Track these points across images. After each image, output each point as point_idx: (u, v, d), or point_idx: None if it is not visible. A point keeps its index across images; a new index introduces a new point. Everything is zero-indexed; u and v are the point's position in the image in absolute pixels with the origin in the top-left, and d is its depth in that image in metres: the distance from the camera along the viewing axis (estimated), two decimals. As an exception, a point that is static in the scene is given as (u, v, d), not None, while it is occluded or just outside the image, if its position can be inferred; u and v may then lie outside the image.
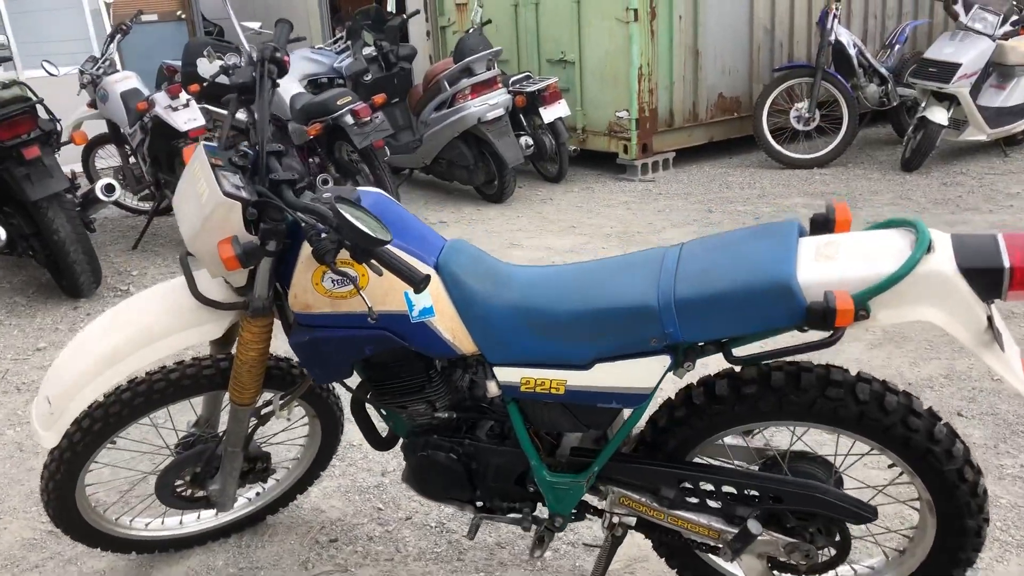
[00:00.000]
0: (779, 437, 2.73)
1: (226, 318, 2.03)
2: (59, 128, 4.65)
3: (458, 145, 6.10)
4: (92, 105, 5.94)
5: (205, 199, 1.82)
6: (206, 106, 7.13)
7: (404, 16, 7.17)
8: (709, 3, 6.74)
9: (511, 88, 6.25)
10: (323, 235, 1.68)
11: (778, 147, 6.67)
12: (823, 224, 1.78)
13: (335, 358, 1.91)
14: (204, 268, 1.94)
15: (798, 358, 1.75)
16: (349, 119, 5.27)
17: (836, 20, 6.46)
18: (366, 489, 2.79)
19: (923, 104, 6.16)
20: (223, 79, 7.01)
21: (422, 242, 1.89)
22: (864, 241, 1.66)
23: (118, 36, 5.99)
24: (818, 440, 2.66)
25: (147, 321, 1.99)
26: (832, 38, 6.45)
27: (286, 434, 2.91)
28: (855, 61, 6.62)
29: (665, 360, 1.72)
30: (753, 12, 6.97)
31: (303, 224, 1.75)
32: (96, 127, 6.22)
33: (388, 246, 1.78)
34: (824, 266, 1.61)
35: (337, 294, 1.83)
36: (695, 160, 7.10)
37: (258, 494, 2.61)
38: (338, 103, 5.31)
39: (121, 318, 2.03)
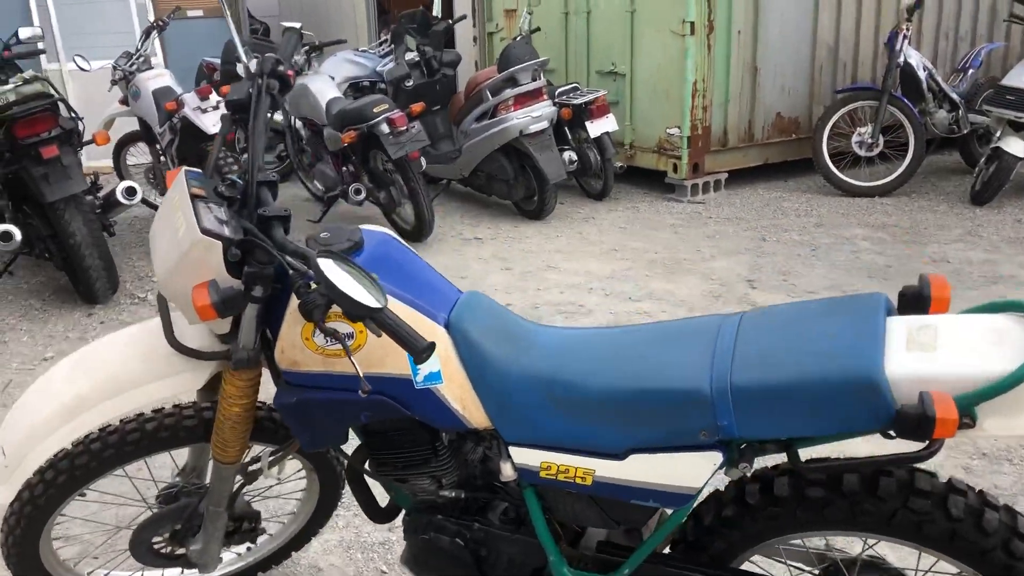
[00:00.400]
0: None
1: (207, 368, 1.77)
2: (82, 127, 4.46)
3: (498, 158, 5.83)
4: (124, 102, 5.77)
5: (181, 235, 1.56)
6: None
7: (450, 21, 6.93)
8: (770, 18, 6.39)
9: (557, 100, 5.96)
10: (312, 286, 1.41)
11: (838, 173, 6.30)
12: (915, 301, 1.46)
13: (327, 423, 1.64)
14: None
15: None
16: (385, 128, 5.03)
17: (906, 41, 6.07)
18: (370, 546, 2.51)
19: (998, 134, 5.74)
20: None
21: (432, 295, 1.61)
22: (969, 328, 1.34)
23: (154, 32, 5.83)
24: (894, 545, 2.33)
25: (115, 368, 1.74)
26: (901, 60, 6.06)
27: (282, 487, 2.64)
28: (924, 85, 6.21)
29: (716, 457, 1.42)
30: (817, 29, 6.61)
31: (290, 272, 1.48)
32: (129, 124, 6.05)
33: (389, 304, 1.52)
34: (919, 358, 1.30)
35: (331, 352, 1.56)
36: (748, 182, 6.75)
37: (249, 549, 2.35)
38: (374, 111, 5.06)
39: (88, 362, 1.78)
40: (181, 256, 1.54)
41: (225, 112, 1.82)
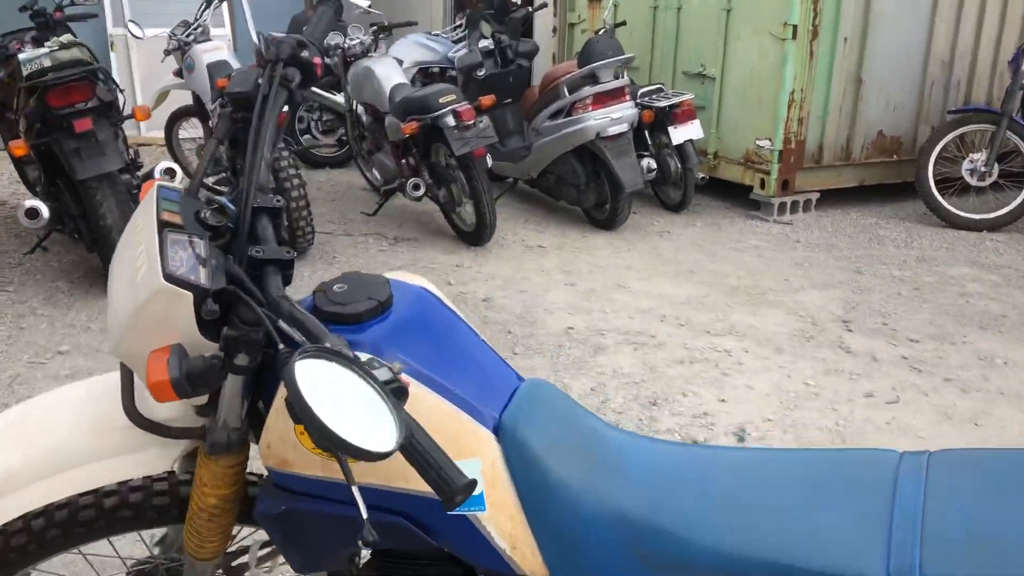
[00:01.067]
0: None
1: (177, 446, 1.35)
2: (122, 100, 4.12)
3: (570, 160, 5.35)
4: (179, 74, 5.44)
5: (140, 278, 1.14)
6: (314, 90, 6.63)
7: (529, 8, 6.46)
8: (881, 26, 5.79)
9: (639, 101, 5.46)
10: None
11: (943, 202, 5.68)
12: None
13: (324, 544, 1.21)
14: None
15: None
16: (450, 121, 4.59)
17: (1034, 60, 5.44)
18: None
19: None
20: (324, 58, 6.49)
21: (480, 382, 1.17)
22: None
23: (217, 1, 5.48)
24: None
25: (59, 436, 1.33)
26: (1026, 81, 5.43)
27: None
28: (1051, 110, 5.57)
29: None
30: (931, 42, 5.98)
31: (279, 348, 1.06)
32: (183, 98, 5.73)
33: (418, 395, 1.08)
34: None
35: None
36: (841, 204, 6.16)
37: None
38: (440, 101, 4.64)
39: (26, 425, 1.37)
40: (137, 309, 1.12)
41: (223, 109, 1.40)
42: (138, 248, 1.18)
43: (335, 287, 1.19)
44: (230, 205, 1.26)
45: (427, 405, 1.10)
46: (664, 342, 3.83)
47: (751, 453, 1.16)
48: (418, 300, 1.20)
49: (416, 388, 1.10)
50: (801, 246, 5.30)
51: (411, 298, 1.20)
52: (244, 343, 1.13)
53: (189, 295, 1.10)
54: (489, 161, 4.88)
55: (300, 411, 0.82)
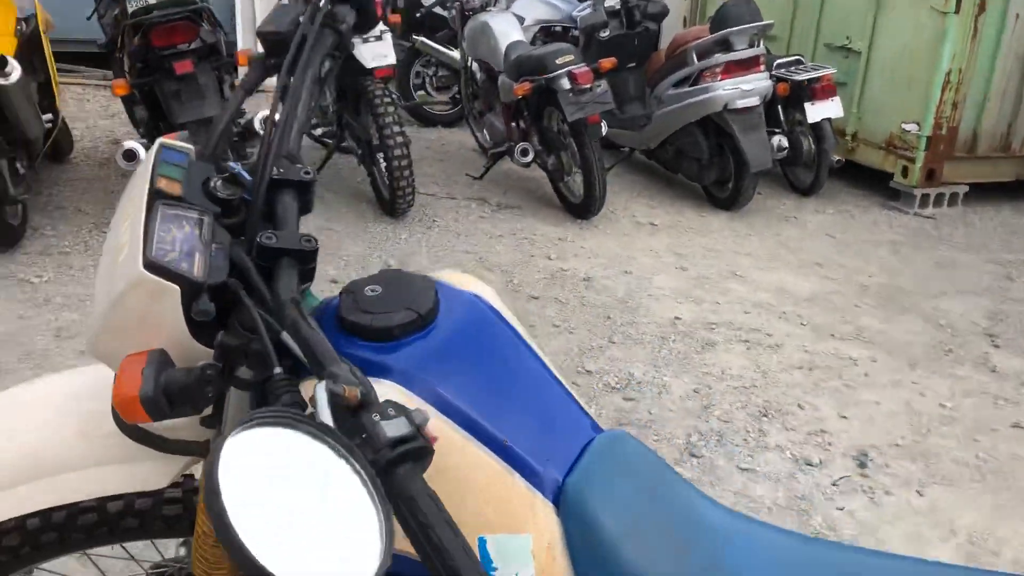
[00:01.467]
0: None
1: (178, 461, 1.12)
2: (239, 43, 3.97)
3: (694, 132, 4.96)
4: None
5: (120, 262, 0.90)
6: (424, 40, 6.40)
7: (662, -33, 6.03)
8: (1061, 2, 5.12)
9: (774, 72, 5.01)
10: (307, 407, 0.74)
11: (1116, 205, 5.03)
12: None
13: None
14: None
15: None
16: (565, 83, 4.28)
17: None
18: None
19: None
20: (440, 11, 6.24)
21: (542, 432, 0.89)
22: None
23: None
24: None
25: (44, 437, 1.12)
26: None
27: None
28: None
29: None
30: (1119, 22, 5.27)
31: (275, 371, 0.81)
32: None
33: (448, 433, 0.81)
34: None
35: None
36: (993, 201, 5.54)
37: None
38: (556, 62, 4.32)
39: (13, 418, 1.17)
40: (112, 302, 0.89)
41: (257, 53, 1.14)
42: (124, 223, 0.95)
43: (367, 289, 0.92)
44: (245, 174, 1.01)
45: (467, 459, 0.83)
46: (781, 343, 3.46)
47: (896, 562, 0.85)
48: (471, 313, 0.93)
49: (452, 435, 0.83)
50: (944, 244, 4.77)
51: (462, 310, 0.92)
52: (243, 354, 0.89)
53: (175, 289, 0.86)
54: (604, 128, 4.54)
55: (220, 532, 0.55)
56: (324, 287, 3.63)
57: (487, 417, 0.85)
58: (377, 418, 0.70)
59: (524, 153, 4.70)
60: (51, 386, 1.20)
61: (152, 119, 4.09)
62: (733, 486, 2.57)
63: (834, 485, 2.61)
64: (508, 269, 3.96)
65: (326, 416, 0.69)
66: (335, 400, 0.71)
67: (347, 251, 4.04)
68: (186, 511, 1.28)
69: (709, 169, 5.01)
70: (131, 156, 3.76)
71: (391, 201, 4.37)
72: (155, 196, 0.92)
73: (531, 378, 0.92)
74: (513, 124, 4.87)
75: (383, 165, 4.33)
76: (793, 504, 2.51)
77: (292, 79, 1.04)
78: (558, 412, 0.92)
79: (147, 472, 1.11)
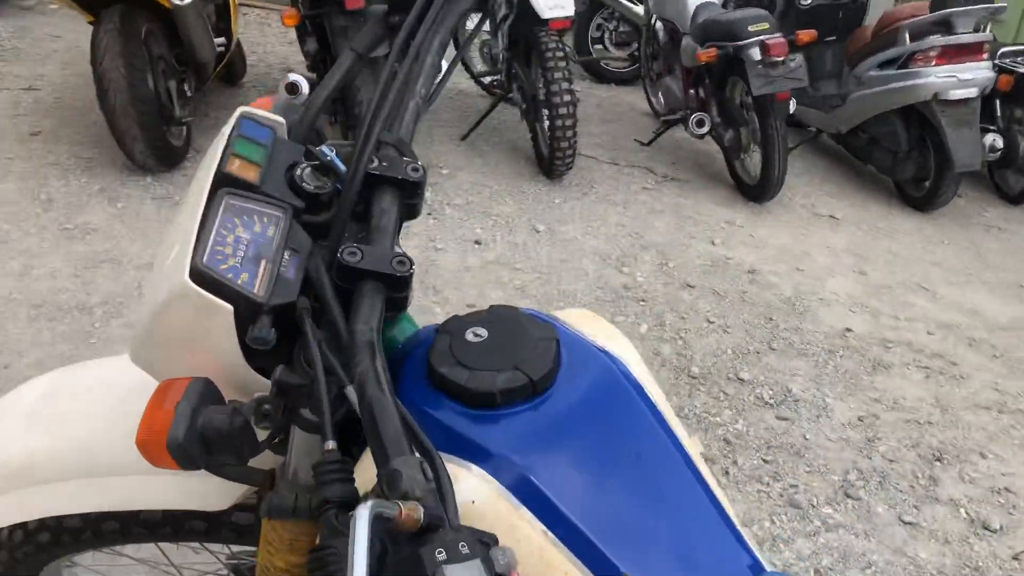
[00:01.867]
0: None
1: (236, 489, 0.95)
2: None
3: (893, 121, 4.44)
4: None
5: (169, 264, 0.71)
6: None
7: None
8: None
9: (998, 62, 4.41)
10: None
11: None
12: None
13: None
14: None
15: None
16: (755, 54, 3.88)
17: None
18: None
19: None
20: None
21: (685, 567, 0.64)
22: None
23: None
24: None
25: (93, 431, 0.96)
26: None
27: None
28: None
29: None
30: None
31: (324, 454, 0.60)
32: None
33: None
34: None
35: None
36: None
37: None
38: (749, 29, 3.92)
39: (60, 402, 1.02)
40: (153, 312, 0.70)
41: (378, 6, 0.93)
42: (183, 211, 0.76)
43: (471, 332, 0.70)
44: (339, 163, 0.80)
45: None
46: (968, 375, 3.02)
47: None
48: (601, 381, 0.68)
49: (556, 559, 0.60)
50: None
51: (588, 377, 0.68)
52: (304, 395, 0.69)
53: (228, 308, 0.66)
54: (792, 107, 4.12)
55: None
56: (467, 249, 3.45)
57: (607, 539, 0.61)
58: (442, 556, 0.48)
59: (700, 124, 4.35)
60: (108, 370, 1.04)
61: (320, 52, 4.02)
62: (892, 541, 2.23)
63: (1015, 559, 2.23)
64: (664, 250, 3.66)
65: (361, 553, 0.47)
66: (385, 525, 0.49)
67: (497, 210, 3.84)
68: (259, 521, 1.11)
69: (905, 163, 4.49)
70: (293, 89, 3.66)
71: (549, 161, 4.13)
72: (222, 181, 0.73)
73: (674, 485, 0.67)
74: (692, 91, 4.51)
75: (546, 123, 4.09)
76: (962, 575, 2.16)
77: (412, 42, 0.82)
78: (708, 540, 0.66)
79: (207, 490, 0.94)
